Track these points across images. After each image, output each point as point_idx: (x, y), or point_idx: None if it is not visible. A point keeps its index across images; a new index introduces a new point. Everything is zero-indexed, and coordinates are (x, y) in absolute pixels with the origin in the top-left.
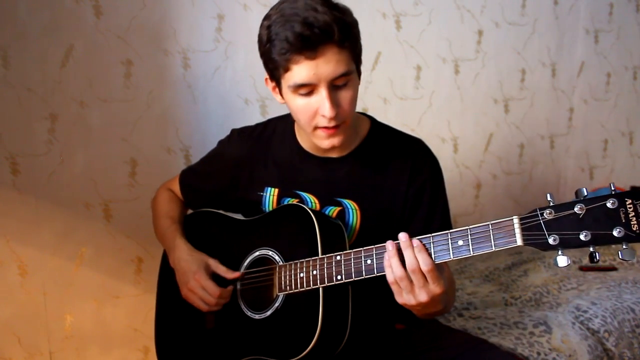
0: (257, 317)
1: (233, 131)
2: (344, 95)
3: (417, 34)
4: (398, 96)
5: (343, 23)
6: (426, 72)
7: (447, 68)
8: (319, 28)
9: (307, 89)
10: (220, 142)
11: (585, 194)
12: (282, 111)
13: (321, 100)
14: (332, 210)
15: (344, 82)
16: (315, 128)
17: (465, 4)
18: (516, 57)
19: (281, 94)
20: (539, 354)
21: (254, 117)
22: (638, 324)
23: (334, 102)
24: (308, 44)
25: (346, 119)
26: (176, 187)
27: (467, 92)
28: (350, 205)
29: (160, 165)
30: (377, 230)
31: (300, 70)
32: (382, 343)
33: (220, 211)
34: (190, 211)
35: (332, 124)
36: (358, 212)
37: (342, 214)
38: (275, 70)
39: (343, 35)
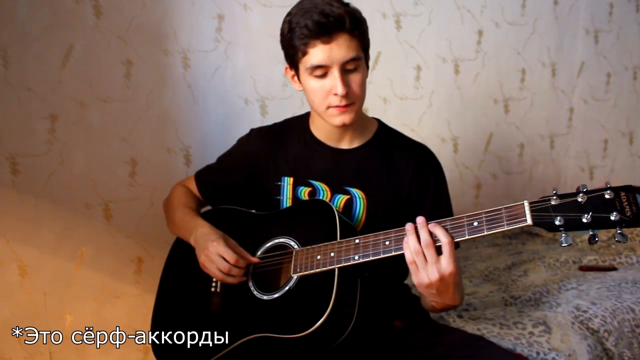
0: (265, 297)
1: (252, 130)
2: (354, 78)
3: (417, 34)
4: (398, 96)
5: (354, 16)
6: (426, 72)
7: (447, 68)
8: (334, 17)
9: (322, 70)
10: (240, 140)
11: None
12: (281, 111)
13: (334, 80)
14: (341, 199)
15: (353, 67)
16: (328, 107)
17: (465, 4)
18: (516, 57)
19: (299, 80)
20: (538, 353)
21: (254, 117)
22: (638, 324)
23: (345, 83)
24: (324, 30)
25: (355, 100)
26: (192, 186)
27: (467, 92)
28: (358, 193)
29: (160, 165)
30: (382, 219)
31: (317, 53)
32: (380, 340)
33: (236, 207)
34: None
35: (344, 102)
36: (365, 200)
37: (350, 202)
38: (294, 56)
39: (354, 25)
